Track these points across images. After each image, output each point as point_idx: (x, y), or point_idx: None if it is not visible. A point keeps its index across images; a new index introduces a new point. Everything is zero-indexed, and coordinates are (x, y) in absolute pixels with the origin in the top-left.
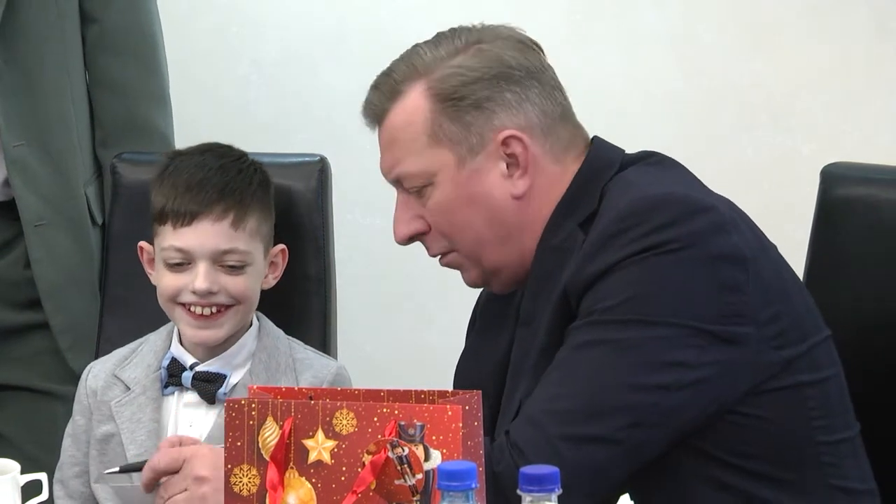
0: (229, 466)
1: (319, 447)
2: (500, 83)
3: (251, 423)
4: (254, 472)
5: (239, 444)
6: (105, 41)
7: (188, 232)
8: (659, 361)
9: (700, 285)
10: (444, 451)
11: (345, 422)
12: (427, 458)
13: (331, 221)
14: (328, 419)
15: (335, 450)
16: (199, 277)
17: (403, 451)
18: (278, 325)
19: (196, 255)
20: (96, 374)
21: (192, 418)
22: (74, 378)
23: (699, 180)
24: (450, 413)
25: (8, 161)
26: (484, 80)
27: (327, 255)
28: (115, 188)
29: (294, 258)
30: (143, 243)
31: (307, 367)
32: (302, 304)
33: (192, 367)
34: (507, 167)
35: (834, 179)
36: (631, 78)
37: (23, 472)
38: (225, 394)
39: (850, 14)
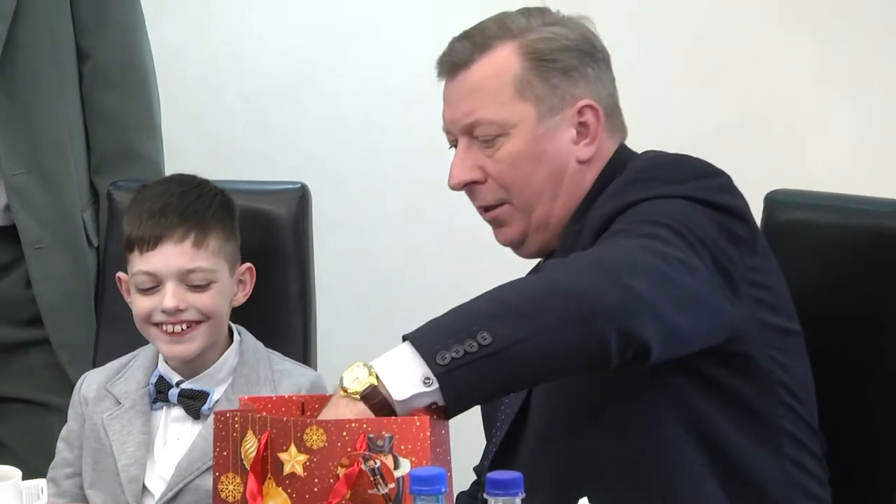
0: (217, 474)
1: (293, 460)
2: (586, 58)
3: (235, 434)
4: (238, 480)
5: (225, 453)
6: (99, 76)
7: (153, 255)
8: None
9: (711, 228)
10: (413, 459)
11: (315, 437)
12: (397, 467)
13: (311, 244)
14: (299, 435)
15: (307, 463)
16: (168, 296)
17: (376, 463)
18: (263, 342)
19: (163, 276)
20: (89, 384)
21: (179, 432)
22: (72, 391)
23: None
24: (418, 423)
25: (8, 188)
26: (574, 51)
27: (308, 276)
28: (111, 213)
29: (277, 279)
30: (120, 274)
31: (285, 376)
32: (284, 321)
33: (177, 385)
34: (577, 134)
35: (777, 205)
36: None
37: (23, 478)
38: (209, 409)
39: (796, 52)
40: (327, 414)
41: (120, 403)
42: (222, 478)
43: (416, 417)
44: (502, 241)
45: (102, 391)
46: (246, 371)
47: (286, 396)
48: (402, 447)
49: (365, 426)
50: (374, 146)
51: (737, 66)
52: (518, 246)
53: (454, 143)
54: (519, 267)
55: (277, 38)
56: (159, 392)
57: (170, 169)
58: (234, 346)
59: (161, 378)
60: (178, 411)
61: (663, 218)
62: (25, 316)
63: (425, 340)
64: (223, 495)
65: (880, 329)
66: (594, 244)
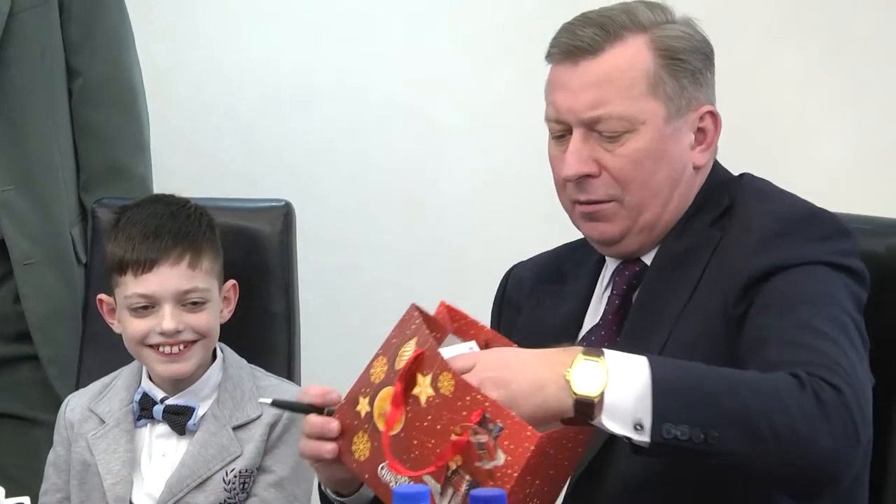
0: (379, 352)
1: (424, 387)
2: (708, 62)
3: (407, 332)
4: (385, 368)
5: (394, 341)
6: (89, 93)
7: (150, 278)
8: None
9: (855, 305)
10: (510, 458)
11: (446, 383)
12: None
13: (295, 262)
14: (438, 372)
15: (431, 399)
16: (166, 319)
17: (483, 437)
18: (247, 358)
19: (160, 298)
20: (73, 407)
21: (164, 448)
22: (59, 406)
23: None
24: (528, 433)
25: None
26: (700, 53)
27: (292, 293)
28: (95, 231)
29: (261, 296)
30: (102, 296)
31: (270, 393)
32: (269, 338)
33: (162, 401)
34: (694, 140)
35: None
36: None
37: (8, 494)
38: (194, 424)
39: (782, 66)
40: (532, 368)
41: (104, 422)
42: (380, 357)
43: (529, 428)
44: (597, 237)
45: (86, 412)
46: (230, 387)
47: (479, 323)
48: (506, 443)
49: (486, 404)
50: (357, 164)
51: (721, 80)
52: (612, 244)
53: (563, 133)
54: None
55: (263, 57)
56: (143, 409)
57: (157, 187)
58: (218, 362)
59: (145, 395)
60: (162, 427)
61: (841, 315)
62: (14, 331)
63: (666, 402)
64: (370, 371)
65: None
66: (741, 296)
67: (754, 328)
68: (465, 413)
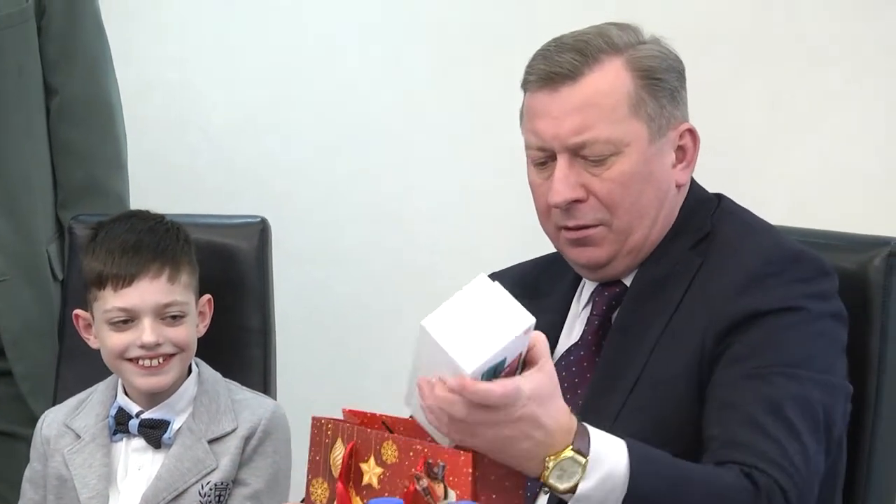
0: (309, 477)
1: (371, 472)
2: (682, 80)
3: (327, 440)
4: (325, 486)
5: (317, 458)
6: (66, 111)
7: (129, 292)
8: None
9: (831, 351)
10: (458, 492)
11: (389, 452)
12: (446, 497)
13: (271, 277)
14: (378, 448)
15: (382, 476)
16: (146, 332)
17: (423, 483)
18: (223, 374)
19: (140, 311)
20: (49, 423)
21: (140, 462)
22: (35, 421)
23: None
24: (462, 458)
25: None
26: (675, 72)
27: (268, 309)
28: (72, 247)
29: (237, 311)
30: (78, 311)
31: (245, 406)
32: (245, 353)
33: (137, 415)
34: (675, 158)
35: None
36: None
37: None
38: (170, 438)
39: (750, 86)
40: (534, 438)
41: (80, 437)
42: (313, 481)
43: (462, 452)
44: (584, 262)
45: (62, 428)
46: (206, 401)
47: (377, 414)
48: (451, 478)
49: (426, 451)
50: (332, 180)
51: (690, 98)
52: (598, 268)
53: (546, 159)
54: None
55: (237, 75)
56: (119, 423)
57: (133, 204)
58: (193, 376)
59: (121, 409)
60: (138, 442)
61: (812, 391)
62: None
63: None
64: (313, 498)
65: None
66: (722, 339)
67: (727, 385)
68: (414, 470)
